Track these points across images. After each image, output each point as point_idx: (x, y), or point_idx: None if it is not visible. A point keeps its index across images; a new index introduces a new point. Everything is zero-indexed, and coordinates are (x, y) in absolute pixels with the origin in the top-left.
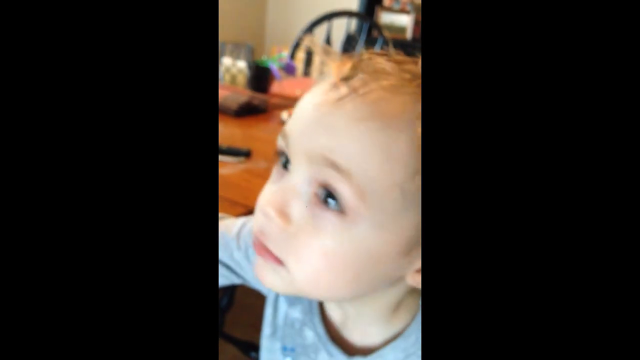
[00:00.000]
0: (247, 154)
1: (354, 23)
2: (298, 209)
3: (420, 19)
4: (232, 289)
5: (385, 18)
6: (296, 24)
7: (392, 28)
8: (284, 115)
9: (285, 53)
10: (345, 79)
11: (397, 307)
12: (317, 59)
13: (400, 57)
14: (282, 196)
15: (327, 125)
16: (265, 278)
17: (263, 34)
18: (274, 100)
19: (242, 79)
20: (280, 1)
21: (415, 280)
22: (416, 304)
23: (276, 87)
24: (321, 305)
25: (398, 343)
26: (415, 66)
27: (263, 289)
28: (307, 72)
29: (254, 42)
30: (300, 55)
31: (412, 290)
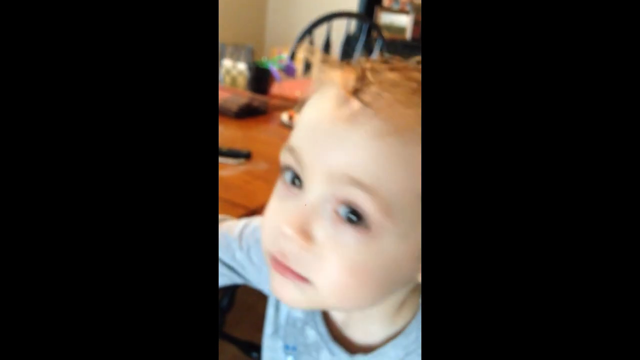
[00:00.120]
0: (247, 156)
1: (353, 24)
2: (320, 227)
3: (419, 19)
4: (232, 289)
5: (385, 18)
6: (296, 25)
7: (391, 28)
8: (284, 116)
9: (285, 55)
10: (354, 92)
11: (400, 306)
12: (316, 59)
13: (401, 63)
14: (301, 216)
15: (345, 142)
16: (285, 295)
17: (263, 35)
18: (274, 102)
19: (242, 81)
20: (280, 2)
21: None
22: (417, 302)
23: (276, 89)
24: None
25: (399, 341)
26: (418, 73)
27: (265, 289)
28: (307, 71)
29: (254, 44)
30: (300, 55)
31: (413, 289)
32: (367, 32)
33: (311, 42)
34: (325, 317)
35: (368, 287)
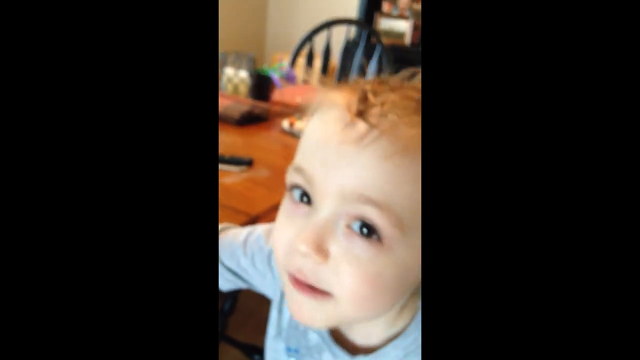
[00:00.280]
0: (249, 163)
1: (353, 30)
2: (334, 242)
3: (418, 24)
4: (235, 293)
5: (384, 24)
6: (296, 32)
7: (390, 34)
8: (285, 123)
9: (286, 62)
10: (359, 114)
11: (402, 309)
12: (316, 64)
13: (397, 81)
14: (315, 232)
15: (355, 163)
16: (304, 315)
17: (264, 42)
18: (275, 108)
19: (244, 89)
20: (281, 9)
21: None
22: (416, 304)
23: (277, 95)
24: None
25: (399, 342)
26: (415, 92)
27: (268, 293)
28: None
29: (255, 51)
30: (301, 61)
31: (413, 292)
32: (367, 38)
33: (311, 49)
34: None
35: (384, 295)
